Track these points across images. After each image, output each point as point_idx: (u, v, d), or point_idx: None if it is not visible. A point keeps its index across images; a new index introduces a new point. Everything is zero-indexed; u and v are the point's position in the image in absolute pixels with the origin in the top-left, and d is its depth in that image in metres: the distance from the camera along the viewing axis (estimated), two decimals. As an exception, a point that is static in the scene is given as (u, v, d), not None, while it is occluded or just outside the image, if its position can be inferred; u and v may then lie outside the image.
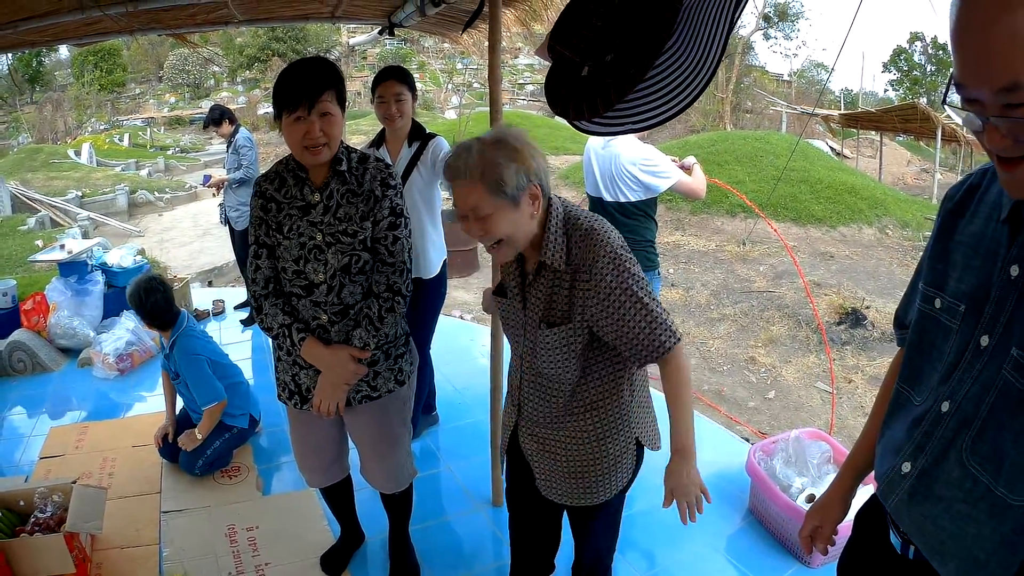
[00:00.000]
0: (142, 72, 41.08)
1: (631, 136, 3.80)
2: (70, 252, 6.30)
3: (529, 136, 2.01)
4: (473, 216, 1.98)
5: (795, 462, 3.56)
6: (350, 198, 2.45)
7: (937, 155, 17.93)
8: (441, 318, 4.13)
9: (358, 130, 21.47)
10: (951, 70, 1.05)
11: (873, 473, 1.57)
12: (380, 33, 5.32)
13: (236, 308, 6.81)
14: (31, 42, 4.44)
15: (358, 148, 2.71)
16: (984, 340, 1.23)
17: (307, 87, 2.29)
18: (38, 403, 5.08)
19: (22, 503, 3.25)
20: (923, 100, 26.60)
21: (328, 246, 2.43)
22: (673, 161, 3.99)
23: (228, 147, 6.31)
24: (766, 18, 35.75)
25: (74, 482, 3.30)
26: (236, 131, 6.27)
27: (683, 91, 1.82)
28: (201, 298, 7.18)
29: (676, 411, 2.09)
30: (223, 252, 11.34)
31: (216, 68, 38.54)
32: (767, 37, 38.82)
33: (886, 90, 40.92)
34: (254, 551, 3.37)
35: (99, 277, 6.24)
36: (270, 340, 2.70)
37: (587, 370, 2.16)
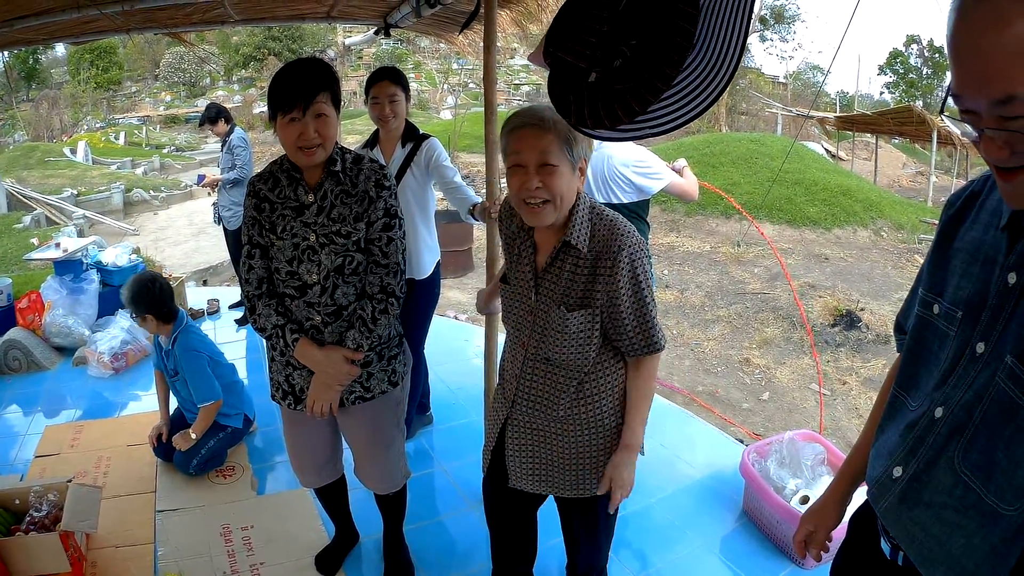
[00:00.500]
0: (138, 71, 41.07)
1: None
2: (65, 250, 6.30)
3: None
4: (537, 164, 2.02)
5: (789, 464, 3.57)
6: (344, 199, 2.45)
7: (933, 158, 17.95)
8: (435, 319, 4.13)
9: (353, 130, 21.48)
10: (948, 79, 1.05)
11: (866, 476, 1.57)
12: (376, 33, 5.33)
13: (231, 308, 6.81)
14: (27, 40, 4.44)
15: (352, 149, 2.72)
16: (980, 347, 1.23)
17: (302, 88, 2.29)
18: (33, 402, 5.08)
19: (17, 502, 3.24)
20: (919, 103, 26.66)
21: (322, 247, 2.43)
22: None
23: (223, 146, 6.31)
24: (762, 20, 35.83)
25: (69, 481, 3.29)
26: (231, 130, 6.26)
27: (701, 94, 1.82)
28: (196, 297, 7.16)
29: (639, 408, 2.27)
30: (218, 251, 11.36)
31: (212, 67, 38.51)
32: (763, 39, 38.97)
33: (882, 93, 41.07)
34: (249, 551, 3.37)
35: (94, 276, 6.23)
36: (264, 340, 2.70)
37: (598, 356, 2.20)
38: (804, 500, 3.33)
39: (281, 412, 2.84)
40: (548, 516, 2.70)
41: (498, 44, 3.42)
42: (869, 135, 22.24)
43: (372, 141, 3.84)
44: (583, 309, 2.10)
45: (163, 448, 4.00)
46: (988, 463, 1.20)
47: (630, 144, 3.85)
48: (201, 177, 6.65)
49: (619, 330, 2.14)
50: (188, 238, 13.65)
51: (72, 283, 6.05)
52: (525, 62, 35.89)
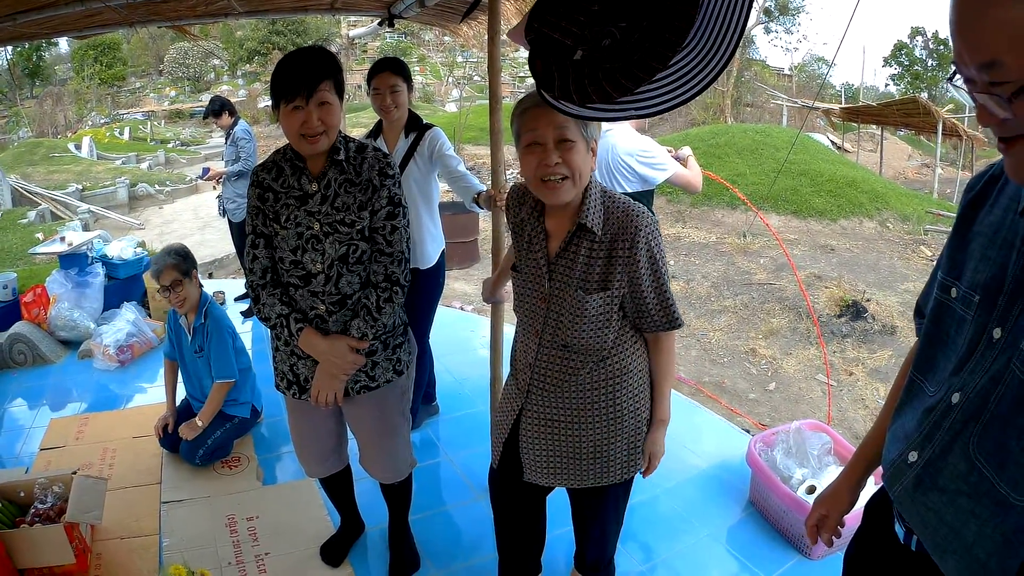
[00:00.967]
0: (142, 66, 41.14)
1: (628, 127, 3.78)
2: (70, 244, 6.30)
3: None
4: (556, 139, 2.02)
5: (796, 453, 3.56)
6: (348, 187, 2.43)
7: (938, 150, 17.87)
8: (441, 309, 4.14)
9: (358, 123, 21.40)
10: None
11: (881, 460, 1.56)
12: (380, 24, 5.31)
13: (236, 300, 6.81)
14: (31, 34, 4.44)
15: (356, 138, 2.70)
16: (996, 332, 1.22)
17: (305, 77, 2.28)
18: (38, 395, 5.08)
19: (22, 494, 3.25)
20: (924, 95, 26.55)
21: (326, 236, 2.42)
22: (668, 151, 3.98)
23: (227, 139, 6.32)
24: (767, 12, 35.68)
25: (74, 473, 3.30)
26: (235, 123, 6.28)
27: (696, 76, 1.80)
28: (202, 290, 7.15)
29: (664, 385, 2.34)
30: (223, 244, 11.36)
31: (216, 61, 38.56)
32: (768, 31, 38.78)
33: (887, 85, 40.83)
34: (254, 541, 3.37)
35: (99, 269, 6.23)
36: (268, 330, 2.69)
37: (617, 338, 2.21)
38: (811, 490, 3.32)
39: (286, 402, 2.83)
40: (555, 506, 2.69)
41: (503, 36, 3.40)
42: (874, 127, 22.13)
43: (376, 131, 3.84)
44: (602, 292, 2.10)
45: (169, 439, 4.00)
46: (1002, 451, 1.19)
47: (635, 133, 3.84)
48: (205, 170, 6.66)
49: (641, 310, 2.16)
50: (193, 231, 13.66)
51: (77, 277, 6.06)
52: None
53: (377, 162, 2.47)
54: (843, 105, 22.63)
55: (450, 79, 33.26)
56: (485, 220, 9.17)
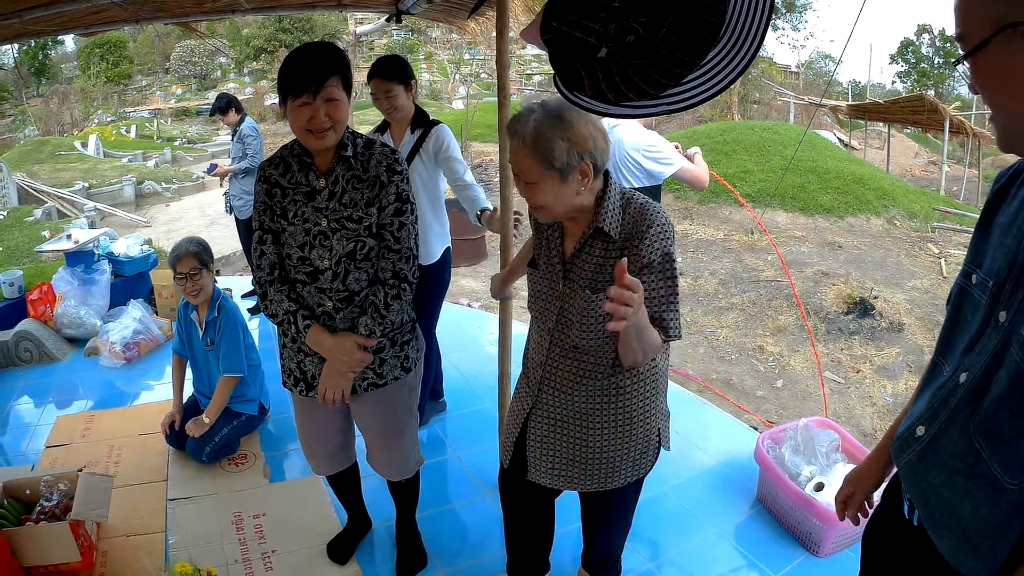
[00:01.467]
0: (148, 64, 41.22)
1: (635, 122, 3.77)
2: (77, 242, 6.30)
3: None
4: (520, 178, 2.03)
5: (803, 450, 3.55)
6: (355, 184, 2.42)
7: (945, 147, 17.83)
8: (449, 306, 4.13)
9: (365, 120, 21.40)
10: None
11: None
12: (388, 21, 5.29)
13: (243, 297, 6.80)
14: (37, 31, 4.43)
15: (364, 133, 2.69)
16: (1002, 316, 1.27)
17: (312, 72, 2.26)
18: (44, 392, 5.08)
19: (28, 491, 3.25)
20: (931, 92, 26.48)
21: (333, 232, 2.41)
22: (675, 147, 3.97)
23: (233, 136, 6.32)
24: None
25: (80, 470, 3.30)
26: (242, 120, 6.28)
27: (724, 71, 1.80)
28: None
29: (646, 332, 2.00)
30: (230, 241, 11.35)
31: (223, 59, 38.60)
32: (775, 28, 38.71)
33: (894, 82, 40.85)
34: (260, 538, 3.37)
35: (106, 266, 6.24)
36: (276, 327, 2.68)
37: None
38: (819, 487, 3.31)
39: (293, 399, 2.82)
40: (563, 503, 2.68)
41: (511, 33, 3.39)
42: (881, 124, 22.09)
43: (383, 127, 3.84)
44: None
45: (176, 436, 4.00)
46: (997, 432, 1.24)
47: (641, 129, 3.83)
48: (212, 166, 6.65)
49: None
50: (200, 229, 13.65)
51: (84, 274, 6.05)
52: (537, 51, 35.81)
53: (385, 158, 2.45)
54: (850, 102, 22.57)
55: (457, 76, 33.26)
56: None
